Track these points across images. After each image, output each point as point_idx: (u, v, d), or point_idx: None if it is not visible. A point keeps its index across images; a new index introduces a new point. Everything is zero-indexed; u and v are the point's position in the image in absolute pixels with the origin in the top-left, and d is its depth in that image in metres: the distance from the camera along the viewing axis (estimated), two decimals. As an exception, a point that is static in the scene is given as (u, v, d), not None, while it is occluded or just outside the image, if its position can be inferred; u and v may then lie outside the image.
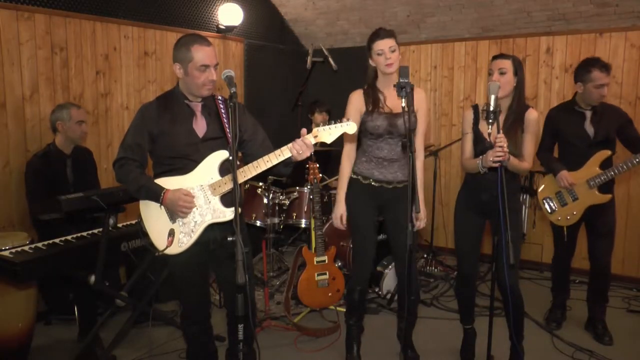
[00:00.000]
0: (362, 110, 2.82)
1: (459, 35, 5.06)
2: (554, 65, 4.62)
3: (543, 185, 3.47)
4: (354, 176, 2.92)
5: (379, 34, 2.76)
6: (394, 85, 2.38)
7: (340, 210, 2.91)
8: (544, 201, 3.43)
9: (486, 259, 4.51)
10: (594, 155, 3.23)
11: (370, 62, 2.81)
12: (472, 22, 4.86)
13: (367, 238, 2.92)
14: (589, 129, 3.27)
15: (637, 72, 4.28)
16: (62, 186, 3.33)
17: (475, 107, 2.88)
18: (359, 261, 2.95)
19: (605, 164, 3.22)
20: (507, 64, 2.70)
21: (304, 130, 2.28)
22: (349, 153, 2.92)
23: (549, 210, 3.41)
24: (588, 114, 3.28)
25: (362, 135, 2.89)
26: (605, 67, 3.16)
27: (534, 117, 2.75)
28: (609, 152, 3.21)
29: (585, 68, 3.20)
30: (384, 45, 2.72)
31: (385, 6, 5.03)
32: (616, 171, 3.17)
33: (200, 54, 2.26)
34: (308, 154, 2.25)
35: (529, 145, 2.76)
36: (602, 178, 3.20)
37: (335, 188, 4.73)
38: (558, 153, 3.48)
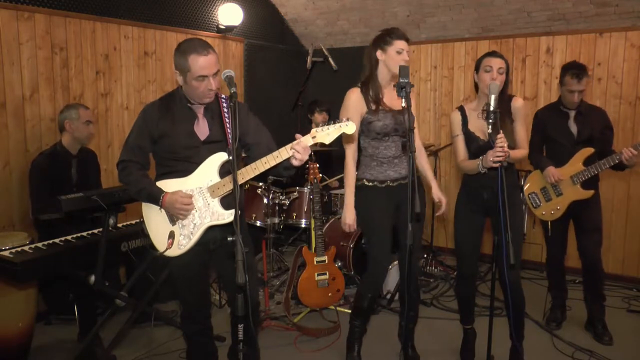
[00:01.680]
0: (363, 111, 2.77)
1: (459, 35, 5.06)
2: (554, 65, 4.62)
3: (529, 182, 3.53)
4: (369, 184, 2.84)
5: (402, 33, 2.76)
6: (394, 85, 2.39)
7: (350, 217, 2.83)
8: (530, 196, 3.49)
9: (486, 259, 4.52)
10: (578, 153, 3.31)
11: (379, 55, 2.77)
12: (472, 22, 4.86)
13: (383, 247, 2.86)
14: (573, 127, 3.36)
15: (637, 72, 4.28)
16: (66, 186, 3.32)
17: (461, 109, 2.90)
18: (374, 268, 2.89)
19: (589, 161, 3.29)
20: (504, 64, 2.73)
21: (297, 136, 2.24)
22: (353, 155, 2.85)
23: (534, 205, 3.48)
24: (572, 113, 3.37)
25: (365, 136, 2.83)
26: (577, 75, 3.22)
27: (520, 105, 2.81)
28: (592, 150, 3.29)
29: (563, 71, 3.33)
30: (404, 45, 2.74)
31: (385, 6, 5.03)
32: (599, 168, 3.24)
33: (197, 64, 2.19)
34: (305, 157, 2.22)
35: (521, 132, 2.81)
36: (585, 174, 3.28)
37: (335, 188, 4.75)
38: (545, 151, 3.54)
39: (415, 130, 2.86)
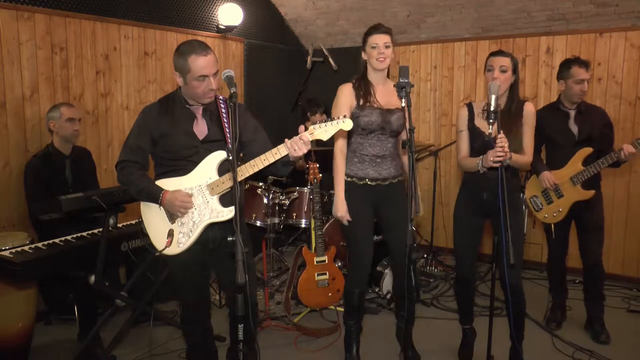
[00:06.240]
0: (352, 105, 2.80)
1: (459, 35, 5.06)
2: (554, 65, 4.61)
3: (530, 185, 3.51)
4: (348, 179, 2.87)
5: (378, 27, 2.77)
6: (394, 85, 2.38)
7: (342, 209, 2.83)
8: (531, 200, 3.48)
9: (486, 259, 4.52)
10: (576, 153, 3.29)
11: (363, 55, 2.81)
12: (472, 22, 4.86)
13: (364, 240, 2.89)
14: (573, 127, 3.34)
15: (637, 72, 4.28)
16: (61, 187, 3.33)
17: (469, 105, 2.90)
18: (357, 263, 2.92)
19: (588, 161, 3.27)
20: (507, 62, 2.72)
21: (301, 128, 2.26)
22: (342, 149, 2.87)
23: (536, 209, 3.46)
24: (572, 113, 3.35)
25: (352, 132, 2.84)
26: (584, 64, 3.26)
27: (531, 110, 2.79)
28: (591, 150, 3.27)
29: (566, 65, 3.32)
30: (379, 39, 2.73)
31: (385, 6, 5.03)
32: (597, 167, 3.23)
33: (198, 64, 2.21)
34: (305, 151, 2.23)
35: (528, 138, 2.79)
36: (584, 174, 3.26)
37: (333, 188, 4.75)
38: (545, 152, 3.52)
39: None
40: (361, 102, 2.78)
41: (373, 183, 2.85)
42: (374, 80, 2.83)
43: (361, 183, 2.85)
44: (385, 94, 2.82)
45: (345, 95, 2.81)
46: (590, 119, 3.32)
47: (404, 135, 2.85)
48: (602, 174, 3.36)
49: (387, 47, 2.73)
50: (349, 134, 2.88)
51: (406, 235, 2.24)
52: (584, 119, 3.32)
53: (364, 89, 2.80)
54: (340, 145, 2.87)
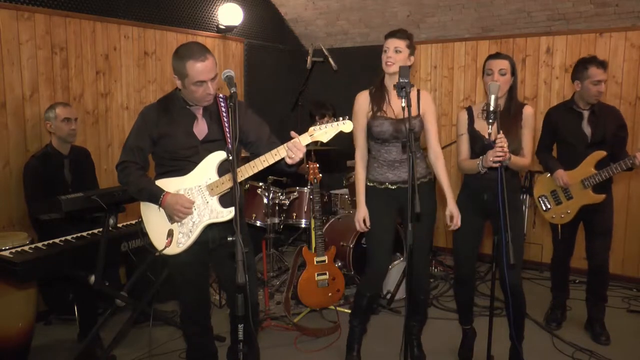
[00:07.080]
0: (368, 113, 2.81)
1: (459, 35, 5.06)
2: (554, 65, 4.62)
3: (539, 184, 3.49)
4: (370, 184, 2.87)
5: (392, 32, 2.77)
6: (394, 86, 2.38)
7: (362, 213, 2.84)
8: (540, 199, 3.45)
9: (486, 259, 4.52)
10: (589, 156, 3.24)
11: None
12: (472, 22, 4.86)
13: (382, 246, 2.87)
14: (587, 129, 3.28)
15: (637, 72, 4.28)
16: (60, 187, 3.33)
17: (469, 109, 2.90)
18: (372, 267, 2.90)
19: (601, 165, 3.22)
20: (506, 65, 2.72)
21: (293, 133, 2.27)
22: (361, 156, 2.89)
23: (544, 208, 3.44)
24: (586, 114, 3.29)
25: (369, 139, 2.86)
26: (602, 64, 3.19)
27: (530, 113, 2.80)
28: (604, 153, 3.22)
29: (582, 65, 3.24)
30: (390, 44, 2.74)
31: (385, 6, 5.03)
32: (610, 172, 3.18)
33: (195, 70, 2.19)
34: (301, 155, 2.24)
35: (528, 141, 2.79)
36: (596, 178, 3.21)
37: (333, 188, 4.75)
38: (557, 152, 3.48)
39: (434, 134, 2.84)
40: (374, 109, 2.78)
41: (394, 186, 2.84)
42: (390, 84, 2.82)
43: (382, 187, 2.85)
44: (398, 101, 2.81)
45: (361, 105, 2.83)
46: (604, 121, 3.25)
47: (431, 139, 2.84)
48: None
49: (397, 52, 2.71)
50: (368, 140, 2.87)
51: (406, 236, 2.24)
52: (598, 120, 3.25)
53: (378, 97, 2.80)
54: (359, 154, 2.89)
